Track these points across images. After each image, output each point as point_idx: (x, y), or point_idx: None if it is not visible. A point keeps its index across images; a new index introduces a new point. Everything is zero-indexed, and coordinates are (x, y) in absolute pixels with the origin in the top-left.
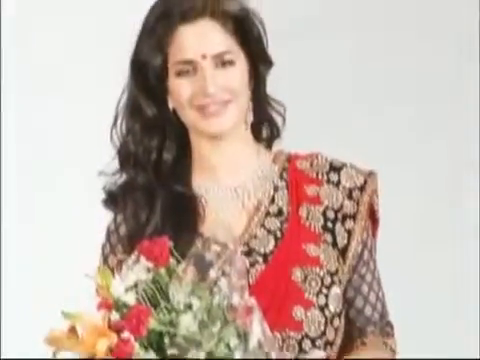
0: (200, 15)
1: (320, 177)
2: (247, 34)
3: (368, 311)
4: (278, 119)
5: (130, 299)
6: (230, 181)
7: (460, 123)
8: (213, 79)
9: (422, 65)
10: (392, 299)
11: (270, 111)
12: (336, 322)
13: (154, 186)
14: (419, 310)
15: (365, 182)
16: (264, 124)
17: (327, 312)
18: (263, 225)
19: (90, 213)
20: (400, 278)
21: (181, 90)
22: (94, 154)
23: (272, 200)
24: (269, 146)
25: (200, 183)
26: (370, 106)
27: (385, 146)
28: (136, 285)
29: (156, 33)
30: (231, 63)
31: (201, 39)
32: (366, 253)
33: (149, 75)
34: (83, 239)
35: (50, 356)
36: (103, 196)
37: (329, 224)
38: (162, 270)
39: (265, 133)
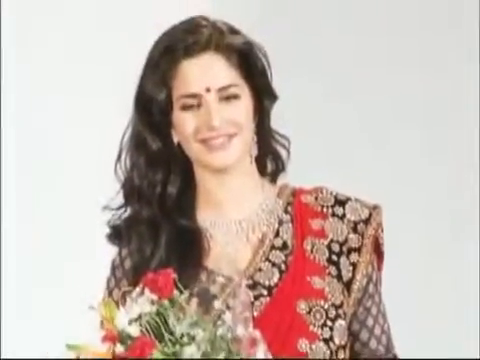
0: (204, 49)
1: (325, 210)
2: (251, 68)
3: (373, 344)
4: (283, 152)
5: (134, 331)
6: (235, 214)
7: (463, 145)
8: (217, 113)
9: (426, 87)
10: (394, 300)
11: (274, 145)
12: (341, 355)
13: (159, 220)
14: (419, 310)
15: (370, 215)
16: (269, 158)
17: (332, 345)
18: (268, 258)
19: (90, 212)
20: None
21: (186, 124)
22: (94, 154)
23: (277, 234)
24: (274, 180)
25: (205, 217)
26: (375, 136)
27: (392, 176)
28: (140, 317)
29: (160, 68)
30: (236, 97)
31: (205, 72)
32: (371, 286)
33: (153, 110)
34: (83, 239)
35: (49, 356)
36: (107, 231)
37: (334, 257)
38: (166, 302)
39: (270, 167)
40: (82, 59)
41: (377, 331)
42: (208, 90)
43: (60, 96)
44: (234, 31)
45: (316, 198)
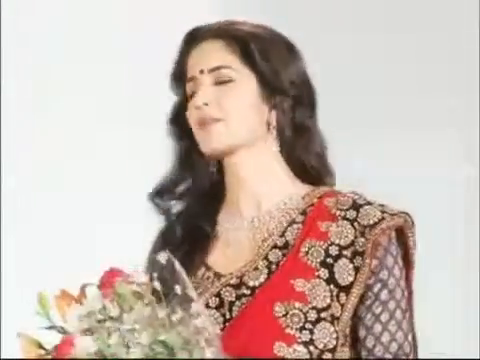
0: (206, 38)
1: (337, 213)
2: (254, 56)
3: (379, 351)
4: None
5: (71, 327)
6: (251, 212)
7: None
8: (204, 93)
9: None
10: None
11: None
12: (327, 357)
13: (177, 218)
14: (419, 309)
15: (380, 220)
16: (301, 160)
17: (312, 348)
18: (266, 257)
19: (91, 212)
20: None
21: (189, 111)
22: (95, 153)
23: (283, 233)
24: (316, 183)
25: (225, 215)
26: (373, 136)
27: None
28: (91, 314)
29: (177, 62)
30: (229, 81)
31: (202, 56)
32: (385, 293)
33: (178, 109)
34: (84, 240)
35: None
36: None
37: (329, 260)
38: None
39: (301, 170)
40: (82, 58)
41: (385, 338)
42: (201, 72)
43: (60, 96)
44: (251, 25)
45: (337, 201)
